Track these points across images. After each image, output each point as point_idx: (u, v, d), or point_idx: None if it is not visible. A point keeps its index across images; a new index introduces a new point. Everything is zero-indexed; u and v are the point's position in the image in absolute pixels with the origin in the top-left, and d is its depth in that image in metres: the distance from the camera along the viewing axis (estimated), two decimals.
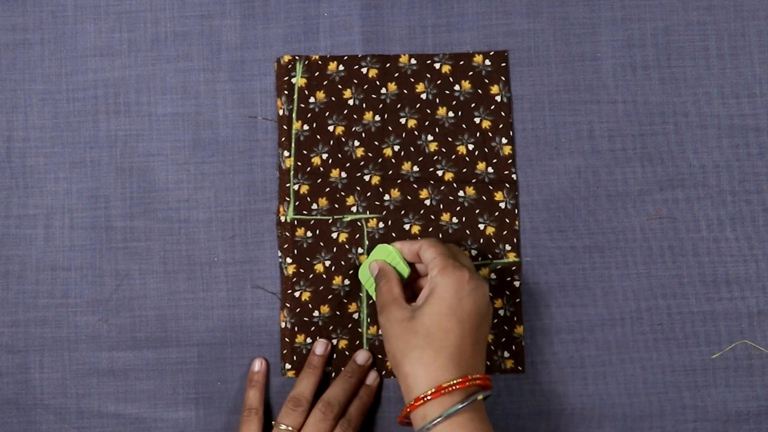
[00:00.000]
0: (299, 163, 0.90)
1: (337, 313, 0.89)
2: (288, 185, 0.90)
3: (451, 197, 0.90)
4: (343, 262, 0.90)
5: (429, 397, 0.75)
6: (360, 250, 0.90)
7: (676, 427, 0.89)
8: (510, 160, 0.91)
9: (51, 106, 0.92)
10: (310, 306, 0.89)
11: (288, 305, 0.89)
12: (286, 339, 0.89)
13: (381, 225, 0.90)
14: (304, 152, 0.91)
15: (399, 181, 0.90)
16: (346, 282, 0.90)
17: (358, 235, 0.90)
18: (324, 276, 0.90)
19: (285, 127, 0.91)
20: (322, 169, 0.91)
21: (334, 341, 0.89)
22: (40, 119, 0.91)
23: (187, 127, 0.92)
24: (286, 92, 0.91)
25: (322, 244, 0.90)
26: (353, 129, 0.91)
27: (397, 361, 0.78)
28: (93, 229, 0.91)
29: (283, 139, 0.91)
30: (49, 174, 0.91)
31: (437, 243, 0.83)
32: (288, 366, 0.89)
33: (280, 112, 0.91)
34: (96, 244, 0.90)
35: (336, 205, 0.90)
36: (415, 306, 0.80)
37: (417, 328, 0.78)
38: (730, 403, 0.89)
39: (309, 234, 0.90)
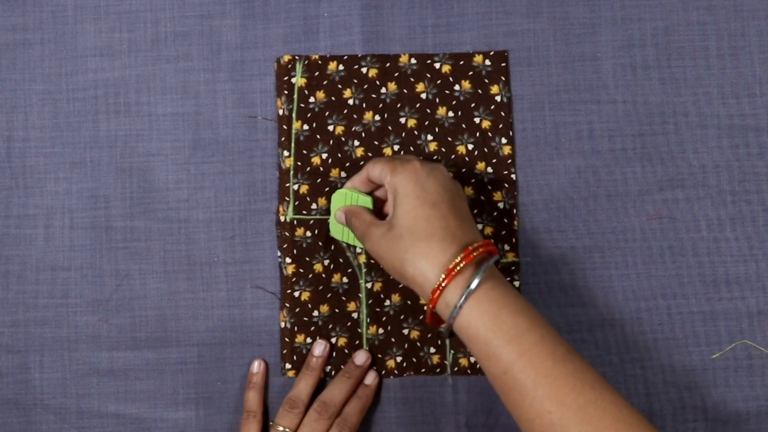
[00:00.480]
0: (299, 163, 0.90)
1: (336, 311, 0.90)
2: (288, 185, 0.90)
3: None
4: (341, 260, 0.90)
5: (444, 284, 0.74)
6: (359, 250, 0.90)
7: (676, 427, 0.89)
8: (509, 160, 0.91)
9: (51, 106, 0.92)
10: (309, 306, 0.89)
11: (287, 305, 0.89)
12: (286, 339, 0.89)
13: None
14: (304, 152, 0.91)
15: None
16: (345, 280, 0.90)
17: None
18: (323, 275, 0.90)
19: (285, 127, 0.91)
20: (321, 168, 0.91)
21: (333, 340, 0.89)
22: (40, 119, 0.91)
23: (187, 127, 0.92)
24: (286, 92, 0.91)
25: (320, 243, 0.90)
26: (353, 129, 0.91)
27: (398, 271, 0.77)
28: (93, 229, 0.91)
29: (282, 139, 0.91)
30: (49, 174, 0.91)
31: (379, 158, 0.84)
32: (288, 366, 0.89)
33: (280, 112, 0.91)
34: (96, 244, 0.90)
35: None
36: (388, 218, 0.80)
37: (399, 232, 0.77)
38: (730, 403, 0.89)
39: (308, 234, 0.90)
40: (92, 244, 0.90)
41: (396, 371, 0.89)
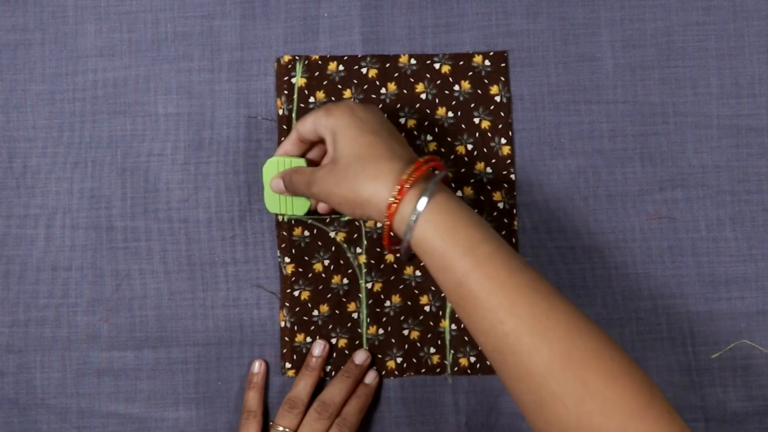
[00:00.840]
0: None
1: (337, 312, 0.90)
2: None
3: None
4: (341, 261, 0.90)
5: (398, 199, 0.73)
6: (359, 250, 0.90)
7: None
8: (509, 161, 0.91)
9: (51, 106, 0.92)
10: (309, 305, 0.89)
11: (287, 304, 0.89)
12: (286, 338, 0.89)
13: (379, 225, 0.90)
14: None
15: None
16: (345, 281, 0.90)
17: (356, 235, 0.90)
18: (323, 275, 0.90)
19: (285, 127, 0.91)
20: None
21: (334, 340, 0.89)
22: (40, 119, 0.92)
23: (187, 127, 0.92)
24: (286, 92, 0.91)
25: (320, 243, 0.90)
26: None
27: (351, 200, 0.76)
28: (93, 229, 0.91)
29: (282, 138, 0.91)
30: (50, 174, 0.91)
31: (305, 115, 0.83)
32: (288, 365, 0.89)
33: (280, 112, 0.91)
34: (96, 244, 0.91)
35: None
36: (330, 158, 0.79)
37: (346, 161, 0.76)
38: (730, 403, 0.89)
39: (306, 233, 0.90)
40: (93, 244, 0.91)
41: (396, 371, 0.89)
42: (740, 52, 0.92)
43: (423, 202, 0.72)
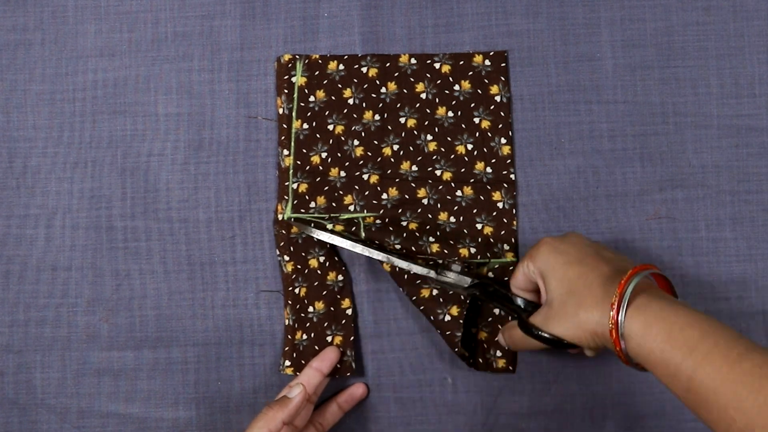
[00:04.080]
0: (299, 162, 0.91)
1: (332, 309, 0.89)
2: (287, 184, 0.91)
3: (449, 197, 0.90)
4: (336, 258, 0.90)
5: (612, 322, 0.72)
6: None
7: (675, 427, 0.88)
8: (509, 160, 0.91)
9: (51, 106, 0.92)
10: (305, 302, 0.89)
11: (290, 302, 0.89)
12: (289, 336, 0.89)
13: (378, 222, 0.90)
14: (304, 151, 0.91)
15: (397, 180, 0.90)
16: (340, 278, 0.90)
17: (354, 228, 0.90)
18: (318, 271, 0.90)
19: (285, 126, 0.91)
20: (321, 168, 0.91)
21: (329, 338, 0.89)
22: (40, 119, 0.92)
23: (187, 127, 0.92)
24: (286, 91, 0.91)
25: (315, 239, 0.90)
26: (353, 128, 0.91)
27: (581, 335, 0.75)
28: (93, 229, 0.91)
29: (282, 137, 0.91)
30: (50, 174, 0.91)
31: (515, 268, 0.83)
32: (287, 363, 0.89)
33: (280, 111, 0.91)
34: (96, 244, 0.91)
35: (334, 204, 0.90)
36: (543, 301, 0.79)
37: (561, 300, 0.76)
38: None
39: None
40: (93, 244, 0.91)
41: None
42: (740, 52, 0.92)
43: (634, 323, 0.71)
